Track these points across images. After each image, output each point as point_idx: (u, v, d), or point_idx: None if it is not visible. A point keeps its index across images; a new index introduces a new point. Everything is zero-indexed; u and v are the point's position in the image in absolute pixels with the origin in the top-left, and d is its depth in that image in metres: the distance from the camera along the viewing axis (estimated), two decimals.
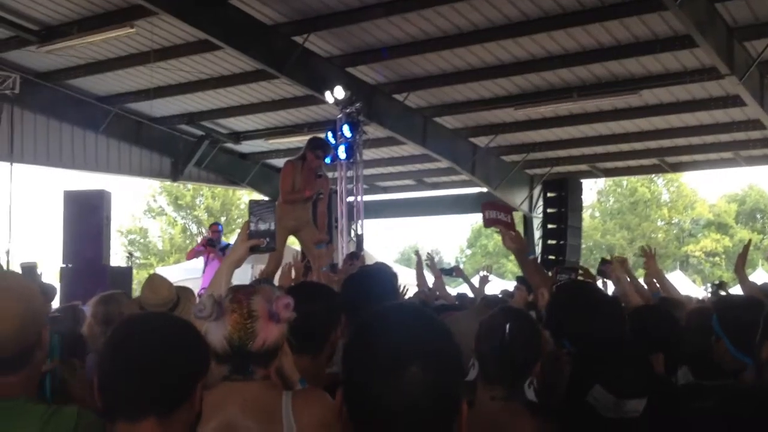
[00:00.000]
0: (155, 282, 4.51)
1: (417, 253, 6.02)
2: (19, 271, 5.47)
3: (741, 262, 5.00)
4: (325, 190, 8.15)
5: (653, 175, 36.84)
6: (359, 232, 13.07)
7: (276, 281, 6.44)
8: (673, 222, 41.90)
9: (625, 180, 39.56)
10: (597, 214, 43.07)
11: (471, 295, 6.99)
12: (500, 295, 5.97)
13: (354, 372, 1.42)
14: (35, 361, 2.12)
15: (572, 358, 2.27)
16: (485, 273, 6.49)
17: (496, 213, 4.88)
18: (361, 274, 3.41)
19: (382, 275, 3.30)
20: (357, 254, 8.31)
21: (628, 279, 4.90)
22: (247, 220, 2.58)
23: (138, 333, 1.81)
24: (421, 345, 1.39)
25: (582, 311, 2.63)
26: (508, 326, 2.45)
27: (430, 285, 6.40)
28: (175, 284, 4.84)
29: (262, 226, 2.57)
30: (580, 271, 4.85)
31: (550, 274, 4.97)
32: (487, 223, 4.60)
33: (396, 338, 1.40)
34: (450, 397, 1.40)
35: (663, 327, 3.11)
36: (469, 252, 48.37)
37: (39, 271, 5.09)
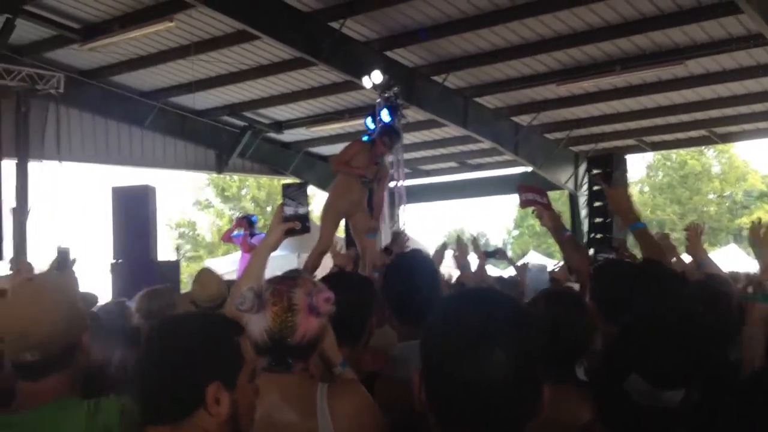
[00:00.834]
0: (204, 277, 4.53)
1: (459, 238, 6.03)
2: (56, 255, 5.58)
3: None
4: (383, 179, 7.88)
5: (703, 147, 35.99)
6: (401, 222, 12.97)
7: (320, 268, 6.44)
8: (725, 194, 40.91)
9: (674, 153, 38.72)
10: (646, 189, 42.30)
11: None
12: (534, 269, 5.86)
13: (437, 353, 1.45)
14: (77, 363, 2.17)
15: (610, 338, 2.20)
16: (526, 262, 6.44)
17: (532, 194, 4.86)
18: (398, 265, 3.29)
19: (421, 264, 3.16)
20: (390, 249, 8.23)
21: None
22: (282, 203, 2.57)
23: (148, 341, 1.78)
24: (504, 328, 1.42)
25: (642, 286, 2.55)
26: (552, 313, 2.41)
27: (474, 268, 6.32)
28: (225, 277, 4.86)
29: (300, 210, 2.56)
30: (619, 249, 4.75)
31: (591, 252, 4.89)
32: (524, 204, 4.61)
33: (480, 321, 1.43)
34: (532, 380, 1.43)
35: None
36: (516, 233, 47.96)
37: (72, 258, 5.15)
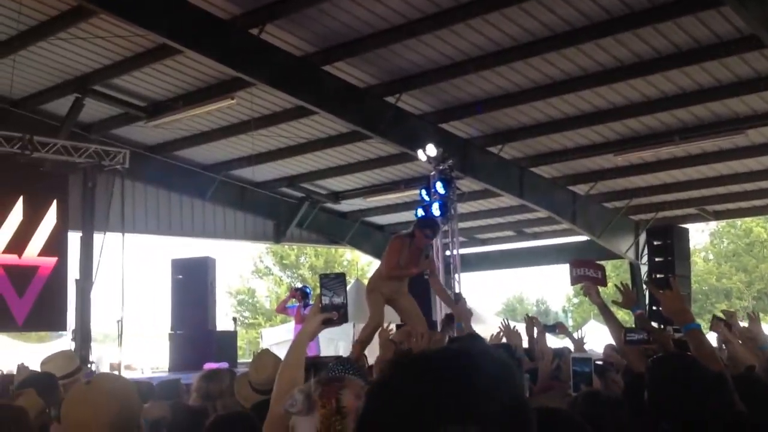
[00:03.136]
0: (261, 361, 4.51)
1: (527, 316, 6.16)
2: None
3: None
4: (432, 272, 8.20)
5: None
6: (457, 290, 12.89)
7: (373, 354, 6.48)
8: None
9: (739, 220, 37.76)
10: (711, 256, 41.20)
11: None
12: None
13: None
14: None
15: None
16: (582, 335, 6.33)
17: (584, 270, 4.77)
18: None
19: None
20: (453, 316, 8.22)
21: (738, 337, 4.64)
22: (320, 293, 2.59)
23: None
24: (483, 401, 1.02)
25: (683, 390, 2.47)
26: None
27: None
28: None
29: (336, 300, 2.58)
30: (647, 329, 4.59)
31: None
32: (573, 280, 4.54)
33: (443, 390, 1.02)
34: None
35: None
36: (576, 300, 47.05)
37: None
